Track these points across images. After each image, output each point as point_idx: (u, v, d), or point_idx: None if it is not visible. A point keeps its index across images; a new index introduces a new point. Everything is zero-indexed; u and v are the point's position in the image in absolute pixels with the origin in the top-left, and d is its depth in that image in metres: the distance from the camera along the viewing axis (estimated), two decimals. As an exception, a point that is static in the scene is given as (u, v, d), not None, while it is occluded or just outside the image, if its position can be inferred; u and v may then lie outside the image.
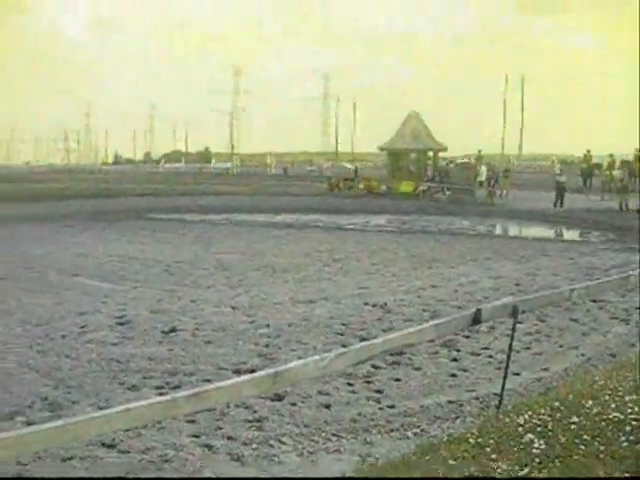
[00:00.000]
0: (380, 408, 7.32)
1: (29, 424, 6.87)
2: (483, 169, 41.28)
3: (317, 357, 4.36)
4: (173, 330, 10.40)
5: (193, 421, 6.73)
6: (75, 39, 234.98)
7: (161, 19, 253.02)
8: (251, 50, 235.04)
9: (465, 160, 48.65)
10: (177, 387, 7.86)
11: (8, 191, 54.98)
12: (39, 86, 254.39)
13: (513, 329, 6.73)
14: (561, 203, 32.82)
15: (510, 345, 6.63)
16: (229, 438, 6.55)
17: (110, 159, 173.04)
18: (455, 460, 4.99)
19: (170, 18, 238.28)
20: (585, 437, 5.36)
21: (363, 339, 9.59)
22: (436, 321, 5.69)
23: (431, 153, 47.30)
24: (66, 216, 30.86)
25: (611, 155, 42.99)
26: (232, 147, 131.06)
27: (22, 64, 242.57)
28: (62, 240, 22.14)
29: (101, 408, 7.14)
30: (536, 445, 5.20)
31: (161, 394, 7.58)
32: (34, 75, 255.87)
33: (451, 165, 48.39)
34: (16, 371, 8.62)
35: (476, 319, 5.59)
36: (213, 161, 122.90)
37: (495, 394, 7.22)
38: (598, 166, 44.51)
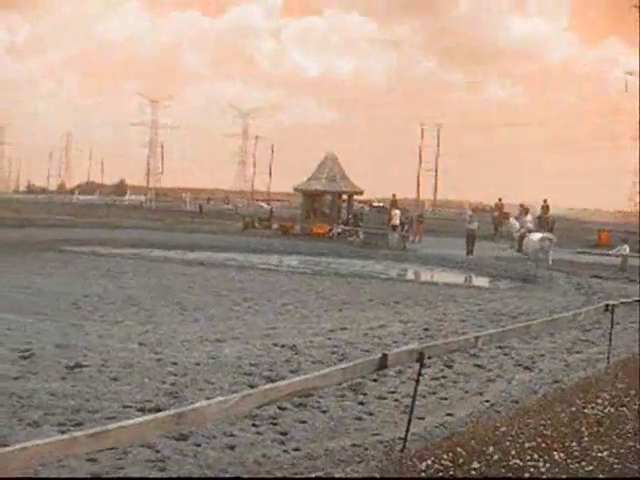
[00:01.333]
0: (285, 450, 7.29)
1: None
2: (396, 213, 41.81)
3: (222, 398, 4.35)
4: (78, 365, 10.20)
5: (94, 460, 6.60)
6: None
7: (81, 45, 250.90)
8: (170, 82, 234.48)
9: (380, 204, 49.13)
10: (80, 424, 7.70)
11: None
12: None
13: (419, 374, 6.82)
14: (471, 250, 33.43)
15: (415, 390, 6.71)
16: (130, 478, 6.44)
17: (22, 188, 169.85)
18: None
19: (90, 44, 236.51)
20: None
21: (271, 380, 9.56)
22: (343, 365, 5.73)
23: (346, 196, 47.70)
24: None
25: (522, 204, 44.05)
26: (148, 181, 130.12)
27: None
28: (-34, 269, 21.58)
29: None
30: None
31: (63, 431, 7.43)
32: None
33: (366, 208, 48.83)
34: None
35: (382, 364, 5.65)
36: (128, 194, 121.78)
37: (400, 438, 7.27)
38: (508, 215, 45.51)
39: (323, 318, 15.17)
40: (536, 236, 30.43)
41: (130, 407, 8.42)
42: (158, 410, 8.00)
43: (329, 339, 12.87)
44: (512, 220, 36.70)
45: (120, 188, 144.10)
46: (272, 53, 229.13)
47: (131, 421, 4.03)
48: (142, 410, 8.24)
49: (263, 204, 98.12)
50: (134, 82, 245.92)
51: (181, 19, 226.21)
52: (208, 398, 8.37)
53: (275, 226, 48.76)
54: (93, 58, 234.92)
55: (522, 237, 31.30)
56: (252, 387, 8.91)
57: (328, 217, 45.98)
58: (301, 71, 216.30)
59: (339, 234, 43.13)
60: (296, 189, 50.68)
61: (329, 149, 50.52)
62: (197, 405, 4.22)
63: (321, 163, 47.95)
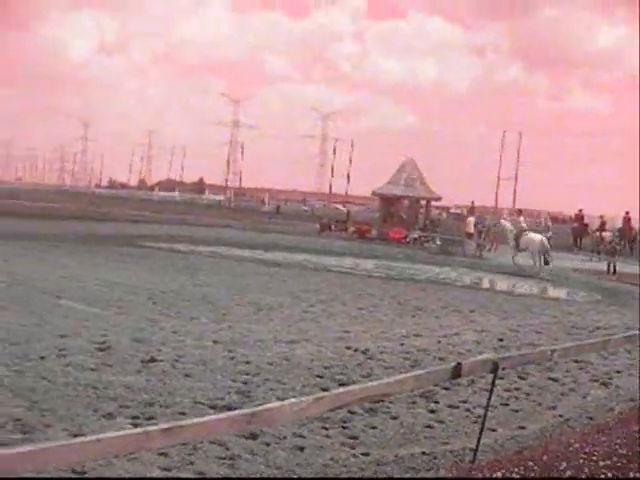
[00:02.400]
0: (354, 455, 7.27)
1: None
2: (470, 220, 41.44)
3: (295, 399, 4.34)
4: (153, 360, 10.34)
5: (165, 454, 6.67)
6: (79, 60, 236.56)
7: (165, 44, 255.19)
8: (253, 82, 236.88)
9: (457, 211, 48.82)
10: (152, 418, 7.81)
11: (-2, 207, 54.97)
12: (40, 104, 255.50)
13: (492, 385, 6.73)
14: (548, 261, 33.01)
15: (488, 401, 6.63)
16: (200, 473, 6.50)
17: (104, 183, 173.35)
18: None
19: (174, 44, 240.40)
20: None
21: (342, 384, 9.56)
22: (416, 372, 5.69)
23: (424, 201, 47.50)
24: (55, 237, 30.81)
25: (601, 216, 43.35)
26: (227, 180, 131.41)
27: (24, 81, 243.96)
28: (48, 261, 22.06)
29: (74, 434, 7.11)
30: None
31: (136, 424, 7.55)
32: (36, 93, 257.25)
33: (443, 215, 48.63)
34: (-10, 389, 8.55)
35: (456, 373, 5.59)
36: (207, 192, 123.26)
37: (470, 449, 7.20)
38: (588, 226, 44.80)
39: (397, 323, 15.10)
40: (537, 236, 31.11)
41: (202, 404, 8.50)
42: (229, 408, 8.08)
43: (402, 345, 12.80)
44: (503, 221, 36.30)
45: (199, 186, 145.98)
46: (354, 56, 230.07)
47: (204, 418, 4.06)
48: (213, 407, 8.32)
49: (340, 207, 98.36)
50: (217, 82, 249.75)
51: (265, 20, 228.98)
52: (279, 398, 8.43)
53: (352, 229, 48.78)
54: (178, 57, 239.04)
55: (518, 236, 31.26)
56: (324, 390, 8.92)
57: (405, 222, 45.85)
58: (383, 75, 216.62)
59: (415, 240, 42.96)
60: (374, 193, 50.68)
61: (408, 154, 50.50)
62: (270, 405, 4.23)
63: (400, 168, 47.87)
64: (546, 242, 30.57)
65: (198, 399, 8.66)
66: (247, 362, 10.61)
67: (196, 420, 3.89)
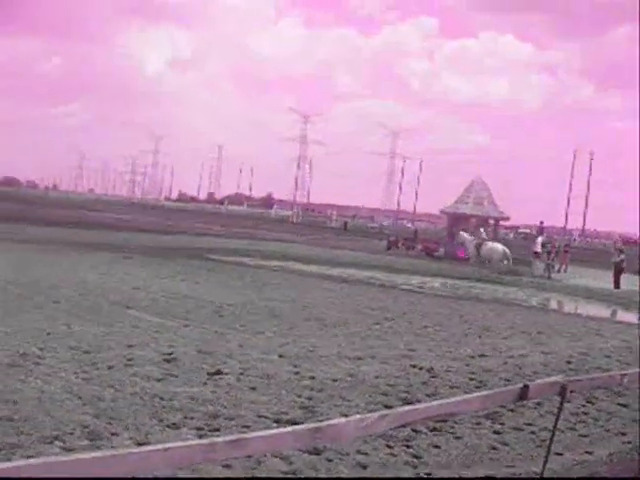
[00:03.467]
0: (417, 474, 7.23)
1: (67, 450, 6.95)
2: (539, 240, 41.01)
3: (359, 416, 4.33)
4: (218, 372, 10.42)
5: (229, 466, 6.71)
6: (153, 74, 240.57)
7: (237, 60, 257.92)
8: (323, 99, 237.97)
9: (526, 230, 48.32)
10: (216, 430, 7.87)
11: (70, 217, 56.13)
12: (114, 117, 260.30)
13: (560, 408, 6.62)
14: (618, 284, 32.61)
15: (555, 424, 6.53)
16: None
17: (174, 196, 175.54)
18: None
19: (246, 59, 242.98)
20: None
21: (407, 401, 9.52)
22: (483, 393, 5.64)
23: (492, 221, 47.14)
24: (126, 248, 31.30)
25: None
26: (295, 195, 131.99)
27: (100, 95, 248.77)
28: (119, 271, 22.41)
29: (140, 443, 7.20)
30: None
31: (200, 435, 7.62)
32: (110, 107, 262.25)
33: (510, 235, 48.21)
34: (59, 396, 8.69)
35: (523, 395, 5.51)
36: (275, 207, 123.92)
37: (535, 473, 7.09)
38: None
39: (463, 343, 14.97)
40: (498, 246, 34.05)
41: (266, 417, 8.53)
42: (293, 423, 8.09)
43: (467, 365, 12.68)
44: (462, 232, 37.62)
45: (267, 201, 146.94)
46: (425, 74, 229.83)
47: (269, 431, 4.07)
48: (277, 421, 8.34)
49: (408, 224, 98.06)
50: (287, 97, 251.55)
51: (337, 37, 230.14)
52: (343, 415, 8.41)
53: (419, 247, 48.63)
54: (249, 73, 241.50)
55: (479, 245, 33.71)
56: (388, 407, 8.88)
57: (473, 241, 45.52)
58: (453, 93, 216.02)
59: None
60: (442, 211, 50.49)
61: (477, 172, 50.21)
62: (334, 421, 4.23)
63: (468, 186, 47.64)
64: (508, 252, 33.32)
65: (262, 413, 8.69)
66: (312, 377, 10.62)
67: (261, 433, 3.91)
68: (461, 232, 37.54)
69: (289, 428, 4.28)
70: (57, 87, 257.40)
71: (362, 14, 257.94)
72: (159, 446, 3.48)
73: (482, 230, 36.65)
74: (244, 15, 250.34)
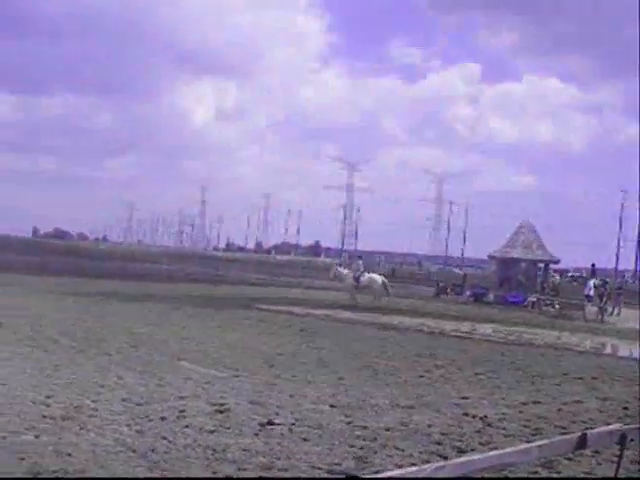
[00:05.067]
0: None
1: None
2: (590, 283, 40.50)
3: (415, 468, 4.28)
4: (270, 423, 10.39)
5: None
6: (199, 126, 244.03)
7: (283, 110, 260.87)
8: (368, 146, 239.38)
9: (577, 274, 47.86)
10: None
11: (119, 269, 56.73)
12: (161, 169, 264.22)
13: (620, 457, 6.48)
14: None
15: (616, 473, 6.39)
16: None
17: (222, 245, 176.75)
18: None
19: (292, 110, 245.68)
20: None
21: (461, 451, 9.40)
22: (540, 442, 5.53)
23: (542, 264, 46.73)
24: (174, 298, 31.52)
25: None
26: (343, 243, 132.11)
27: (148, 147, 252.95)
28: (168, 322, 22.52)
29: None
30: None
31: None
32: (158, 159, 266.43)
33: (557, 277, 47.73)
34: (113, 449, 8.72)
35: (581, 443, 5.41)
36: (322, 255, 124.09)
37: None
38: None
39: (516, 390, 14.76)
40: (376, 276, 36.99)
41: (319, 469, 8.46)
42: (346, 474, 8.03)
43: (521, 412, 12.49)
44: (337, 267, 39.57)
45: (315, 249, 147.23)
46: (469, 119, 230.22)
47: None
48: (330, 472, 8.27)
49: (456, 269, 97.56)
50: (332, 146, 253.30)
51: (380, 85, 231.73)
52: (397, 465, 8.34)
53: (468, 292, 48.29)
54: (294, 122, 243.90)
55: (357, 277, 36.08)
56: (441, 457, 8.78)
57: (523, 285, 45.15)
58: (498, 136, 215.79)
59: (534, 303, 42.21)
60: (491, 256, 50.18)
61: (525, 216, 50.01)
62: (389, 474, 4.18)
63: (517, 230, 47.40)
64: (386, 281, 36.76)
65: (315, 464, 8.62)
66: (364, 427, 10.53)
67: None
68: (336, 267, 38.87)
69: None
70: (106, 142, 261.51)
71: (405, 62, 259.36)
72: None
73: (360, 262, 38.36)
74: (288, 67, 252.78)
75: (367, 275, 36.42)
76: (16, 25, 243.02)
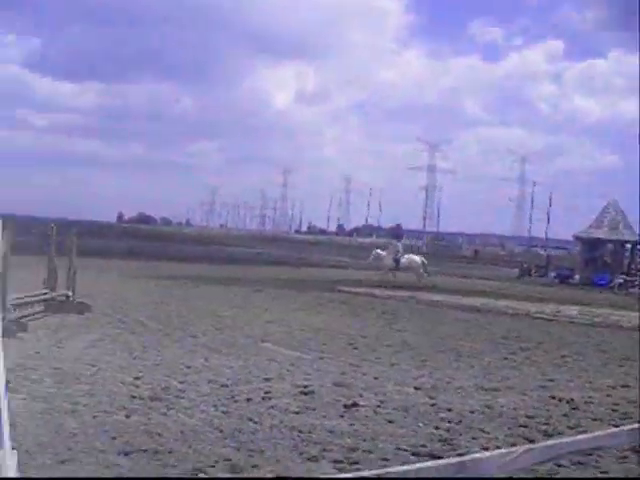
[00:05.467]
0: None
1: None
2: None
3: (504, 450, 4.27)
4: (355, 405, 10.43)
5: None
6: (280, 110, 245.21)
7: (363, 92, 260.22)
8: (449, 126, 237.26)
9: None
10: (355, 463, 7.87)
11: (202, 253, 57.46)
12: (243, 153, 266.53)
13: None
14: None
15: None
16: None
17: (304, 228, 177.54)
18: None
19: (371, 91, 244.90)
20: None
21: (548, 434, 9.31)
22: (630, 426, 5.46)
23: (629, 245, 45.77)
24: (257, 281, 31.81)
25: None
26: (424, 224, 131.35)
27: (231, 132, 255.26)
28: (252, 305, 22.77)
29: (280, 476, 7.29)
30: None
31: (339, 469, 7.63)
32: (240, 143, 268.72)
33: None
34: (201, 429, 8.87)
35: (673, 428, 5.32)
36: (404, 237, 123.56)
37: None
38: None
39: (602, 373, 14.54)
40: (415, 257, 37.43)
41: (405, 450, 8.46)
42: (432, 456, 8.02)
43: (609, 396, 12.29)
44: (377, 250, 38.85)
45: (396, 231, 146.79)
46: (552, 97, 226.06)
47: (413, 466, 4.06)
48: (416, 454, 8.26)
49: (540, 250, 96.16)
50: (413, 127, 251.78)
51: (461, 65, 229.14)
52: (483, 448, 8.30)
53: (552, 274, 47.63)
54: (374, 104, 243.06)
55: (397, 259, 36.44)
56: (527, 440, 8.71)
57: (609, 267, 44.31)
58: (582, 115, 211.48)
59: (620, 285, 41.39)
60: (576, 236, 49.34)
61: (610, 195, 48.93)
62: (478, 455, 4.18)
63: (603, 210, 46.47)
64: (425, 261, 37.05)
65: (401, 446, 8.63)
66: (449, 409, 10.50)
67: (404, 468, 3.90)
68: (376, 250, 38.35)
69: (432, 462, 4.26)
70: (189, 127, 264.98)
71: (486, 41, 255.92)
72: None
73: (398, 244, 38.96)
74: (368, 48, 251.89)
75: (406, 256, 36.91)
76: (101, 14, 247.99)
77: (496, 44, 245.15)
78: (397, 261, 35.72)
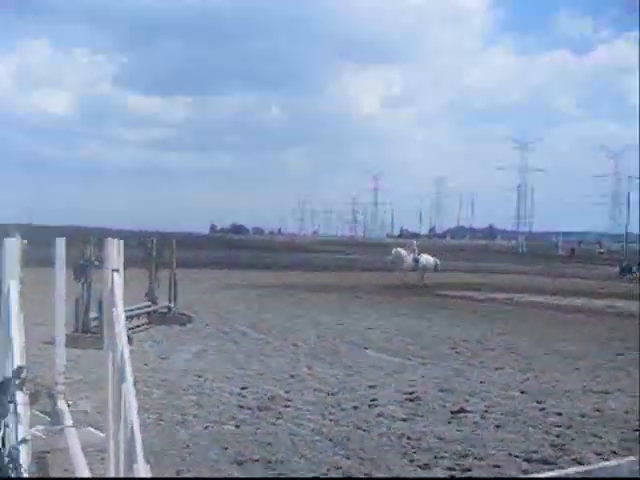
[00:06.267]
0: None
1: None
2: None
3: (633, 457, 4.19)
4: (462, 410, 10.36)
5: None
6: (368, 114, 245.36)
7: (450, 94, 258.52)
8: (539, 124, 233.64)
9: None
10: (468, 470, 7.81)
11: (297, 260, 57.78)
12: (333, 160, 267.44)
13: None
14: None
15: None
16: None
17: (395, 232, 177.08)
18: None
19: (459, 93, 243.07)
20: None
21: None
22: None
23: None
24: (353, 288, 31.82)
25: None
26: (518, 225, 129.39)
27: (319, 139, 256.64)
28: (350, 312, 22.78)
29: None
30: None
31: (452, 476, 7.59)
32: (329, 150, 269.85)
33: None
34: (310, 438, 8.94)
35: None
36: (498, 238, 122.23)
37: None
38: None
39: None
40: (430, 257, 36.83)
41: (516, 457, 8.34)
42: (545, 462, 7.90)
43: None
44: (398, 249, 37.76)
45: (489, 232, 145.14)
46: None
47: (548, 474, 4.01)
48: (528, 461, 8.14)
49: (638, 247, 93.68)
50: (502, 126, 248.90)
51: (549, 60, 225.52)
52: (597, 453, 8.14)
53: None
54: (461, 106, 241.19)
55: (416, 259, 35.89)
56: (643, 444, 8.50)
57: None
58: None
59: None
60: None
61: None
62: (605, 464, 4.11)
63: None
64: (438, 262, 36.97)
65: (512, 451, 8.52)
66: (558, 413, 10.34)
67: (543, 475, 3.85)
68: (396, 249, 37.46)
69: (557, 472, 4.20)
70: (277, 136, 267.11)
71: (574, 34, 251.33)
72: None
73: (414, 242, 39.03)
74: (453, 48, 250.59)
75: (424, 256, 36.90)
76: (187, 28, 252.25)
77: (585, 36, 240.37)
78: (416, 260, 35.76)
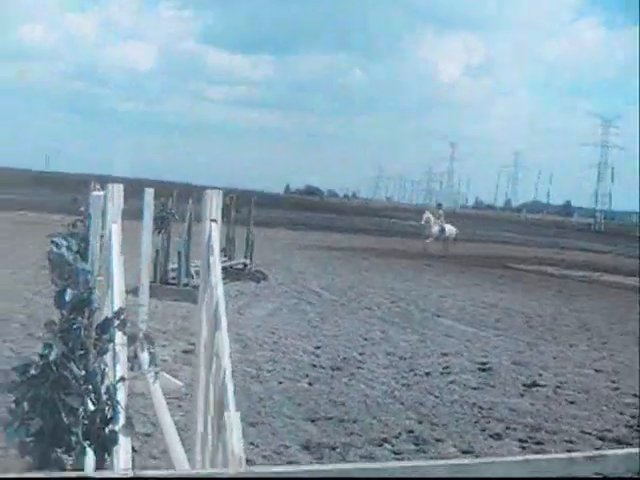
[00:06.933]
0: None
1: (396, 454, 7.19)
2: None
3: None
4: (534, 384, 10.34)
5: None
6: (447, 82, 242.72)
7: (532, 65, 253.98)
8: (622, 101, 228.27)
9: None
10: (539, 443, 7.81)
11: (370, 225, 57.77)
12: (410, 127, 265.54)
13: None
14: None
15: None
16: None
17: (470, 203, 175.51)
18: None
19: (540, 64, 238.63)
20: None
21: None
22: None
23: None
24: (427, 256, 31.68)
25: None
26: (596, 202, 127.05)
27: (397, 104, 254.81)
28: (423, 279, 22.75)
29: (464, 451, 7.32)
30: None
31: (523, 447, 7.60)
32: (406, 117, 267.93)
33: None
34: (382, 400, 9.02)
35: None
36: (575, 215, 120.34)
37: None
38: None
39: None
40: (452, 227, 36.31)
41: (589, 434, 8.33)
42: (618, 442, 7.86)
43: None
44: (429, 215, 36.61)
45: (566, 209, 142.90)
46: None
47: (626, 450, 4.00)
48: (602, 439, 8.13)
49: None
50: (586, 101, 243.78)
51: (636, 34, 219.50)
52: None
53: None
54: (545, 78, 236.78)
55: (442, 228, 35.39)
56: None
57: None
58: None
59: None
60: None
61: None
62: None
63: None
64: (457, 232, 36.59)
65: (585, 429, 8.50)
66: (634, 395, 10.23)
67: (619, 451, 3.84)
68: (427, 214, 36.50)
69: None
70: (356, 100, 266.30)
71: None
72: (519, 458, 3.52)
73: (440, 211, 37.74)
74: (539, 19, 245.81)
75: (448, 226, 36.39)
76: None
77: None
78: (442, 230, 35.51)
